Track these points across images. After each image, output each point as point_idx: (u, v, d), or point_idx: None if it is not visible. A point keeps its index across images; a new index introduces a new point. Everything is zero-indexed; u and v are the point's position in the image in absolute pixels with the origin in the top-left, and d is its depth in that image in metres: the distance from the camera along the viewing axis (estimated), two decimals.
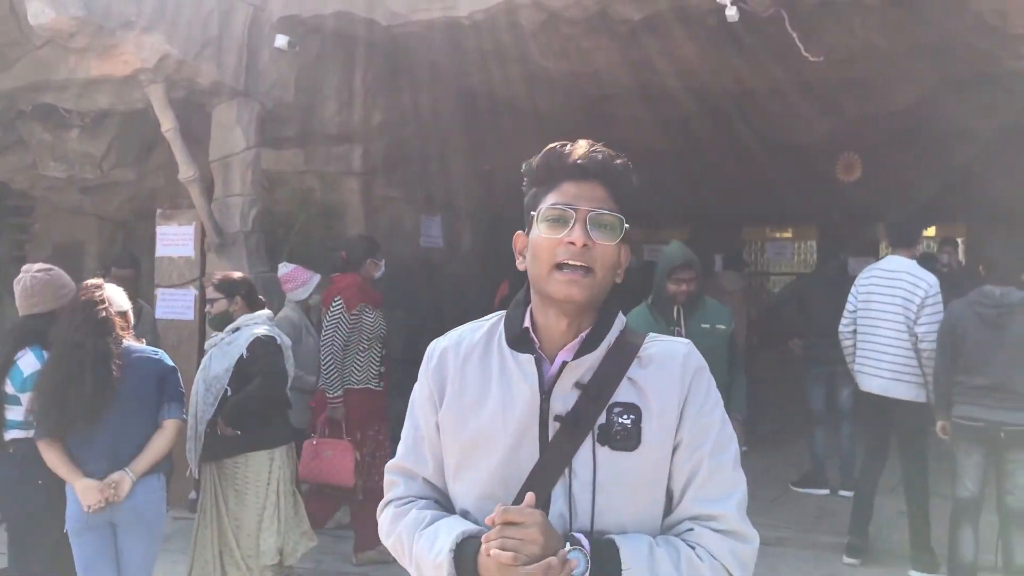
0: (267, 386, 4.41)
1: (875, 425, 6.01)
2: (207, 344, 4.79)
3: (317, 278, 6.47)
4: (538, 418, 1.61)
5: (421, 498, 1.75)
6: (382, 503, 1.82)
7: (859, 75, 8.20)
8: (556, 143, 1.69)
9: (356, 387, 5.84)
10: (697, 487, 1.60)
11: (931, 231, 11.89)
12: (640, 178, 1.70)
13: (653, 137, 10.30)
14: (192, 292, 7.35)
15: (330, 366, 5.73)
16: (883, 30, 7.23)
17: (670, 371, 1.64)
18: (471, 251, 9.85)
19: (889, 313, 5.75)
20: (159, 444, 3.85)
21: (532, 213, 1.67)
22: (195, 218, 7.29)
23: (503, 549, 1.46)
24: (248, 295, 4.72)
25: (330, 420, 5.74)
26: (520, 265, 1.73)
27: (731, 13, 6.52)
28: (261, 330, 4.53)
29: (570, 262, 1.58)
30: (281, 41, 7.05)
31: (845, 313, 6.09)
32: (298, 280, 6.37)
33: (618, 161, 1.67)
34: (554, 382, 1.62)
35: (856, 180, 10.91)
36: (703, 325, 4.85)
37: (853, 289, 6.09)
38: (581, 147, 1.66)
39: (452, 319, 7.94)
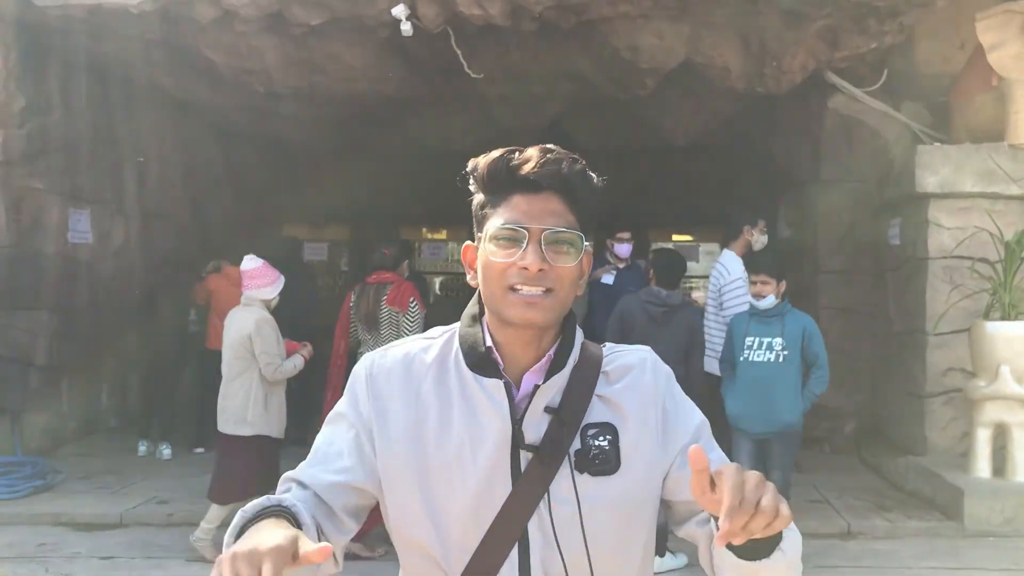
0: None
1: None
2: None
3: (283, 279, 5.93)
4: (510, 448, 1.47)
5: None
6: None
7: (510, 91, 8.93)
8: (504, 150, 1.50)
9: None
10: None
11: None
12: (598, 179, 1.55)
13: (313, 136, 10.42)
14: None
15: None
16: (535, 54, 7.99)
17: (641, 384, 1.55)
18: (123, 247, 9.29)
19: (710, 299, 6.66)
20: None
21: (480, 229, 1.52)
22: None
23: None
24: None
25: None
26: (471, 281, 1.56)
27: (406, 28, 6.89)
28: None
29: (526, 287, 1.44)
30: None
31: None
32: (268, 277, 5.79)
33: (576, 167, 1.49)
34: (525, 408, 1.48)
35: None
36: None
37: None
38: (532, 156, 1.47)
39: (103, 322, 7.62)
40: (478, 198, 1.53)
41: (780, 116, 9.00)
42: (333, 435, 1.55)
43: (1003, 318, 6.56)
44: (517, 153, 1.48)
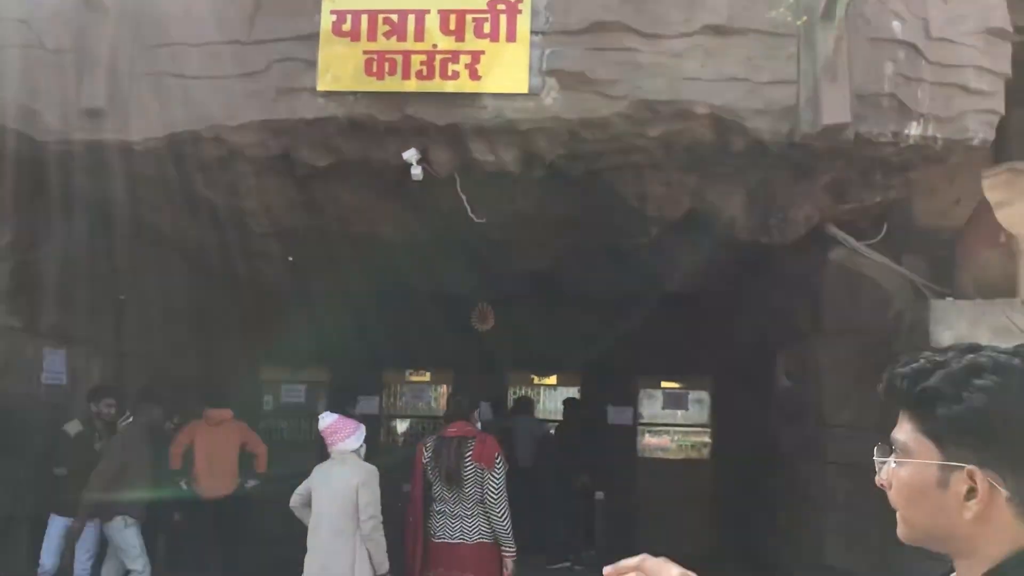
0: None
1: None
2: None
3: (363, 427, 5.98)
4: None
5: None
6: None
7: (508, 237, 8.82)
8: None
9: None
10: None
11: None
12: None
13: (305, 277, 10.22)
14: None
15: (509, 524, 5.93)
16: (537, 201, 7.90)
17: None
18: None
19: None
20: None
21: None
22: None
23: None
24: None
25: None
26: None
27: (416, 172, 6.77)
28: None
29: None
30: None
31: None
32: (347, 429, 5.82)
33: None
34: None
35: (489, 329, 11.63)
36: None
37: None
38: None
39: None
40: None
41: (778, 267, 8.96)
42: None
43: None
44: None
